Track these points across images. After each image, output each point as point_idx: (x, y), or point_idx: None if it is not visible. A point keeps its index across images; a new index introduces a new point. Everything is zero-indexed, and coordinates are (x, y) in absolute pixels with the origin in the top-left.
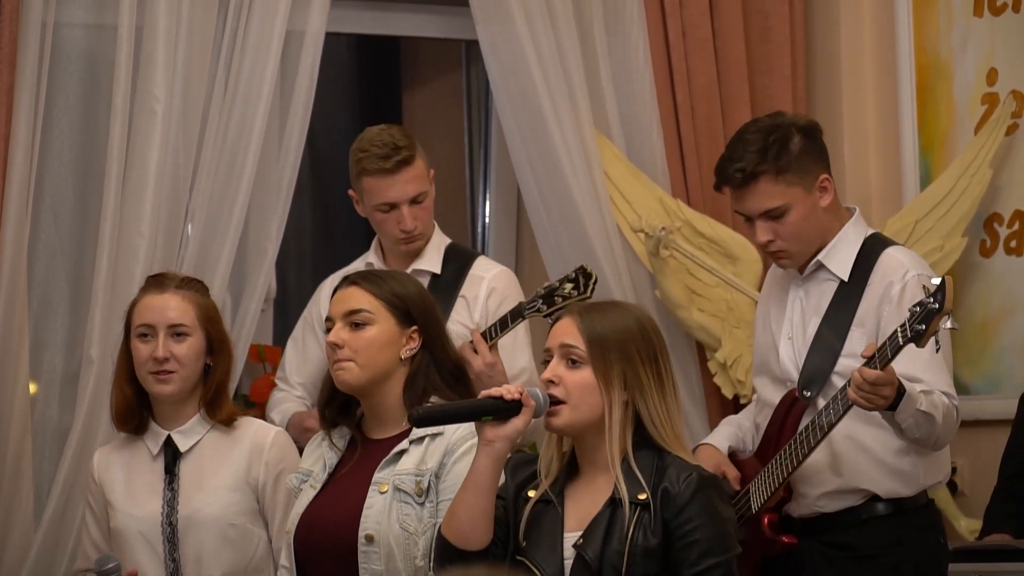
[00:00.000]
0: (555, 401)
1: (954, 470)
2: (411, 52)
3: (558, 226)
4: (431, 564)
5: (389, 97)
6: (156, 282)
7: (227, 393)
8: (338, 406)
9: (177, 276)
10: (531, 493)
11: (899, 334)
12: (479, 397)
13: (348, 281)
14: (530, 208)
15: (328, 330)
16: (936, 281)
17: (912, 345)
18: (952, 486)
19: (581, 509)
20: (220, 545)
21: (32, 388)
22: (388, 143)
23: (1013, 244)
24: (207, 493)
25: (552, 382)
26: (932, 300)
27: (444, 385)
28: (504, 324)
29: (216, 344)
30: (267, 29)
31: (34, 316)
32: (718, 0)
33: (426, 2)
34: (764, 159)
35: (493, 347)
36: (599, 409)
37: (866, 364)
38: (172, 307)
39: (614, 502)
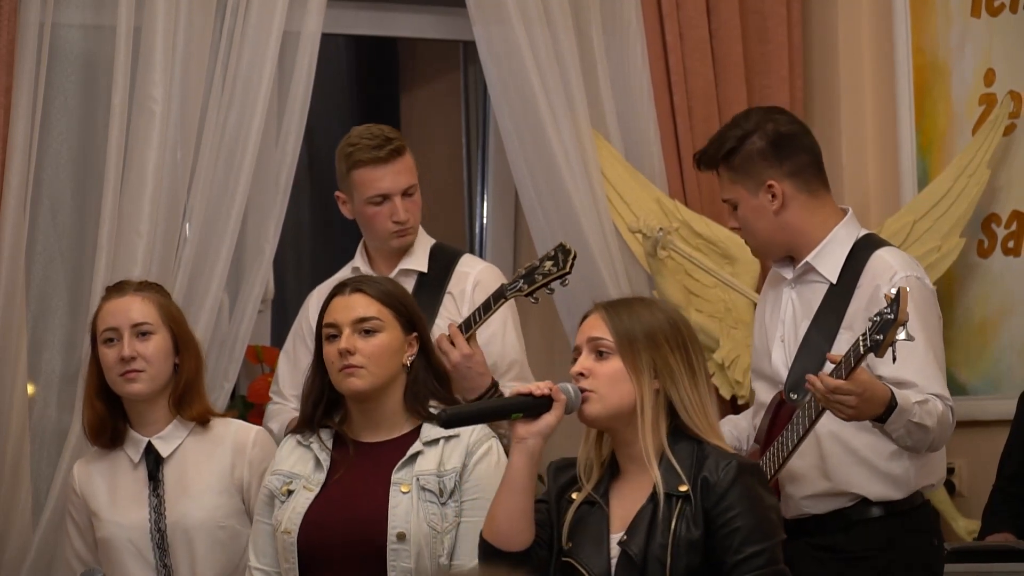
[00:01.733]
0: (585, 392)
1: (952, 471)
2: (409, 53)
3: (555, 227)
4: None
5: (387, 98)
6: (116, 288)
7: (197, 392)
8: (324, 409)
9: (135, 281)
10: (574, 495)
11: (860, 343)
12: (509, 395)
13: (351, 288)
14: (527, 209)
15: (330, 336)
16: (893, 291)
17: (907, 346)
18: (950, 487)
19: (625, 508)
20: (211, 548)
21: (30, 389)
22: (378, 135)
23: (1011, 244)
24: (193, 498)
25: (582, 375)
26: (888, 311)
27: (439, 389)
28: (487, 307)
29: (182, 343)
30: (264, 30)
31: (32, 317)
32: (716, 1)
33: (423, 3)
34: (714, 152)
35: (472, 337)
36: (630, 397)
37: (833, 372)
38: (134, 308)
39: (655, 496)
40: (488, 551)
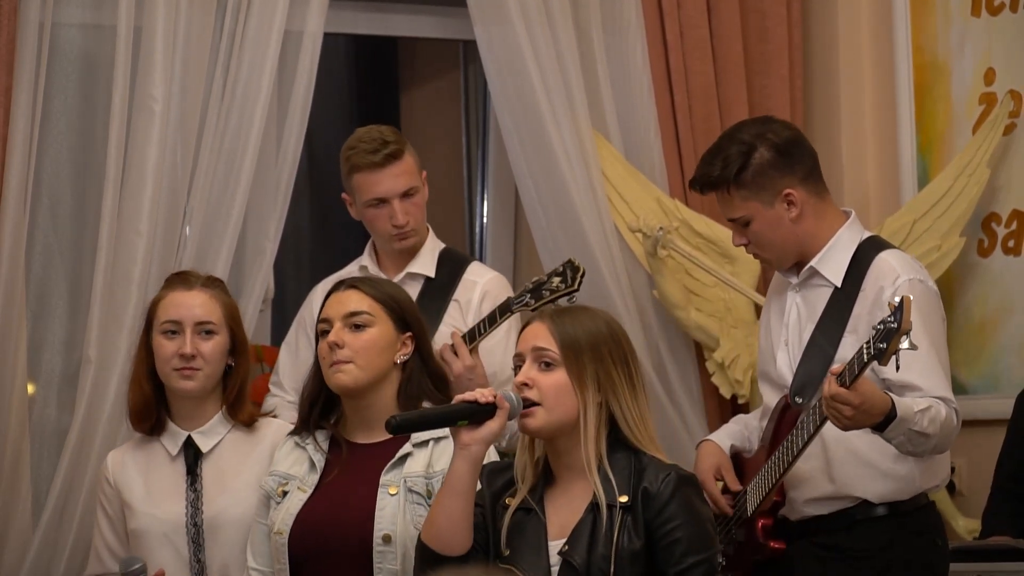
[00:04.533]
0: (530, 404)
1: (953, 470)
2: (409, 52)
3: (556, 227)
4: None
5: (387, 97)
6: (182, 279)
7: (248, 394)
8: (321, 409)
9: (201, 275)
10: (509, 501)
11: (864, 351)
12: (453, 402)
13: (346, 285)
14: (528, 209)
15: (323, 332)
16: (897, 300)
17: (908, 351)
18: (950, 486)
19: (562, 516)
20: (245, 545)
21: (30, 388)
22: (376, 138)
23: (1011, 244)
24: (231, 494)
25: (526, 385)
26: (891, 319)
27: (434, 391)
28: (492, 320)
29: (239, 345)
30: (265, 29)
31: (32, 316)
32: (716, 0)
33: (424, 2)
34: (721, 172)
35: (474, 350)
36: (574, 411)
37: (837, 380)
38: (200, 304)
39: (595, 507)
40: (426, 555)
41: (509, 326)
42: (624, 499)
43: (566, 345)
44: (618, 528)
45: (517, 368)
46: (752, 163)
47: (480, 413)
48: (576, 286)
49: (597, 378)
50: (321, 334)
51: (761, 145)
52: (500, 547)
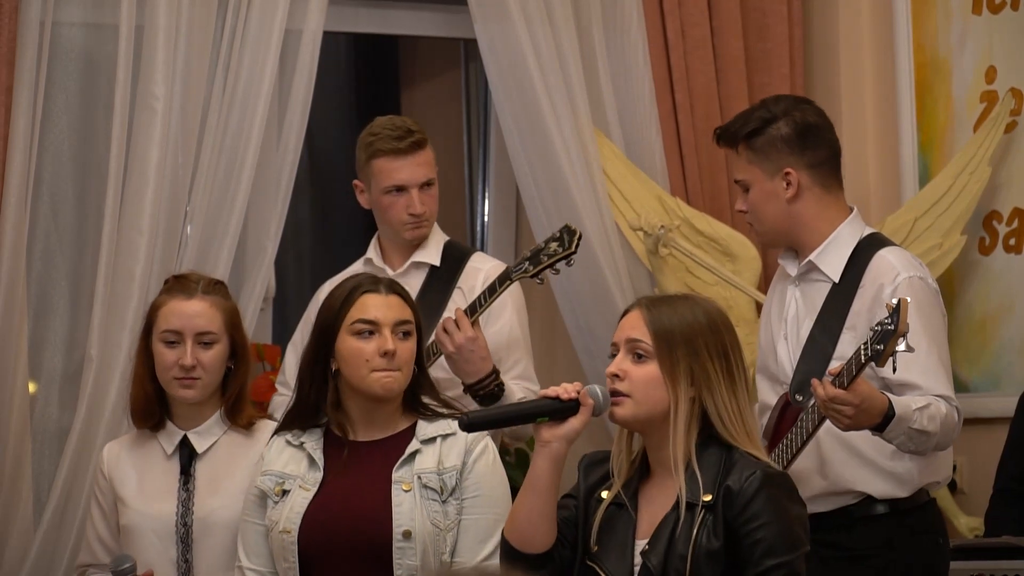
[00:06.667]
0: (618, 395)
1: (954, 468)
2: (409, 51)
3: (557, 224)
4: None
5: (387, 96)
6: (182, 286)
7: (247, 396)
8: (312, 408)
9: (202, 279)
10: (604, 494)
11: (861, 352)
12: (537, 397)
13: (387, 289)
14: (529, 207)
15: (365, 332)
16: (894, 302)
17: (907, 352)
18: (952, 484)
19: (652, 513)
20: (233, 547)
21: (32, 387)
22: (401, 127)
23: (1012, 242)
24: (222, 496)
25: (617, 376)
26: (889, 321)
27: (428, 389)
28: (492, 290)
29: (239, 349)
30: (266, 28)
31: (33, 315)
32: None
33: (424, 1)
34: (737, 129)
35: (476, 322)
36: (665, 404)
37: (834, 381)
38: (200, 314)
39: (679, 505)
40: (509, 552)
41: (513, 304)
42: (708, 498)
43: (660, 337)
44: (697, 527)
45: (612, 357)
46: (767, 132)
47: (562, 410)
48: (573, 249)
49: (691, 372)
50: (359, 334)
51: (783, 119)
52: (589, 543)
